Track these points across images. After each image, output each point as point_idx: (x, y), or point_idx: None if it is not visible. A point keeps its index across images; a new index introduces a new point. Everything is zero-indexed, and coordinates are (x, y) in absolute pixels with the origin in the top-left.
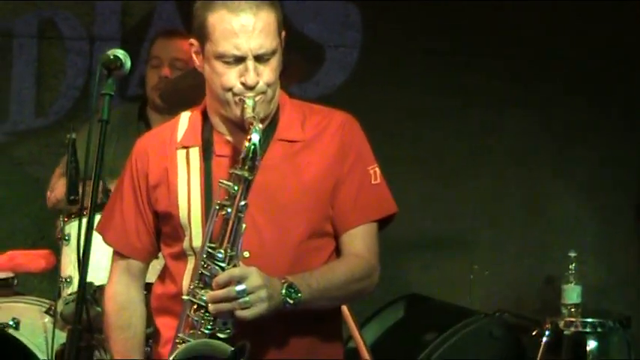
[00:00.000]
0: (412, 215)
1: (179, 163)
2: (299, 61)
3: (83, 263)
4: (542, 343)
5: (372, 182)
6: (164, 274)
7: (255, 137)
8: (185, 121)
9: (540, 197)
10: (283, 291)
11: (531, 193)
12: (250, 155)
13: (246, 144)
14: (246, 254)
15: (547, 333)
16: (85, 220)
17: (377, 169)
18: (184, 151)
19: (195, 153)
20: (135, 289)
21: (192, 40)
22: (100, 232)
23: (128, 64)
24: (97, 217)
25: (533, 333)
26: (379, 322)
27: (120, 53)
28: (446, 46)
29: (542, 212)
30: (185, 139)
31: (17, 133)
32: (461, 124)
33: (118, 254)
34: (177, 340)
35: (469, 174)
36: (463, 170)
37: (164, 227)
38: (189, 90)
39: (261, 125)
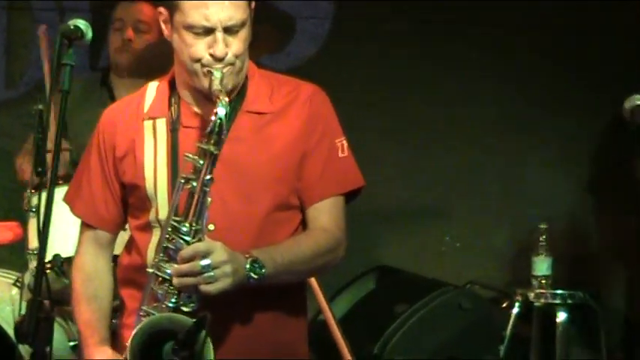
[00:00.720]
0: (385, 186)
1: (146, 134)
2: (270, 32)
3: (43, 235)
4: (512, 315)
5: (340, 155)
6: (130, 246)
7: (221, 111)
8: (152, 91)
9: (515, 168)
10: (247, 266)
11: (506, 164)
12: (217, 129)
13: (212, 118)
14: (211, 227)
15: (517, 305)
16: (49, 192)
17: (344, 142)
18: (151, 122)
19: (162, 124)
20: (103, 259)
21: (161, 9)
22: (67, 204)
23: (89, 34)
24: (61, 189)
25: (504, 305)
26: (350, 294)
27: (81, 23)
28: (419, 16)
29: (517, 183)
30: (152, 109)
31: None
32: (436, 94)
33: (86, 225)
34: (141, 313)
35: (443, 144)
36: (438, 140)
37: (130, 198)
38: (155, 59)
39: (227, 99)
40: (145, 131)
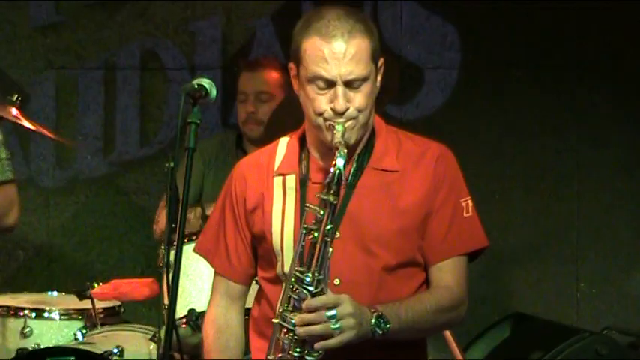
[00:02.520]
0: (516, 232)
1: (275, 189)
2: (390, 82)
3: (173, 290)
4: None
5: (464, 215)
6: (260, 297)
7: (340, 162)
8: (283, 147)
9: None
10: (373, 320)
11: (638, 207)
12: (335, 180)
13: (332, 169)
14: (337, 282)
15: None
16: (184, 247)
17: (469, 202)
18: (281, 178)
19: (291, 181)
20: (234, 312)
21: (291, 64)
22: (201, 254)
23: (214, 92)
24: (192, 245)
25: None
26: (485, 342)
27: (205, 82)
28: (546, 62)
29: None
30: (282, 167)
31: (123, 164)
32: (564, 140)
33: (218, 277)
34: None
35: (573, 189)
36: (567, 186)
37: (259, 250)
38: (281, 125)
39: (346, 150)
40: (275, 187)
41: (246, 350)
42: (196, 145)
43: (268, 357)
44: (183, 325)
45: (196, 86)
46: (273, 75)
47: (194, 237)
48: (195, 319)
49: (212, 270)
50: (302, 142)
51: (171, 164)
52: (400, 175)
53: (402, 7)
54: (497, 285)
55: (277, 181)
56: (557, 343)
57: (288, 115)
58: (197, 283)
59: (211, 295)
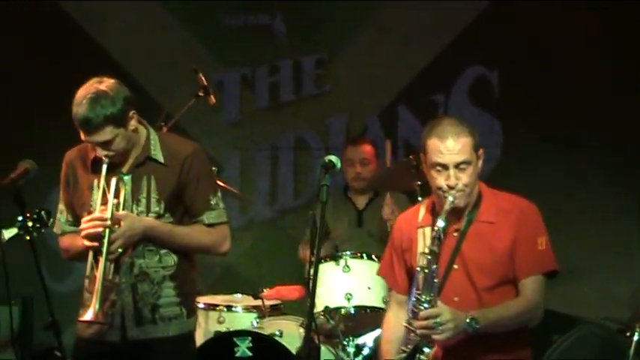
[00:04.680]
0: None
1: (419, 236)
2: None
3: (312, 294)
4: (634, 341)
5: (539, 248)
6: None
7: (440, 224)
8: (423, 208)
9: (627, 236)
10: (467, 320)
11: (619, 235)
12: (438, 235)
13: (435, 228)
14: (456, 299)
15: (637, 333)
16: (320, 265)
17: (544, 239)
18: (422, 229)
19: (428, 229)
20: (401, 312)
21: (422, 154)
22: (384, 277)
23: (338, 165)
24: (325, 264)
25: (627, 334)
26: None
27: (333, 158)
28: (561, 137)
29: (630, 247)
30: (422, 221)
31: (282, 211)
32: (564, 192)
33: (392, 291)
34: (400, 350)
35: (580, 224)
36: (576, 221)
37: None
38: (378, 182)
39: (444, 216)
40: (418, 234)
41: None
42: (328, 199)
43: (401, 347)
44: (321, 317)
45: (327, 161)
46: (369, 148)
47: (327, 259)
48: (329, 312)
49: (337, 280)
50: (432, 205)
51: (312, 212)
52: (496, 225)
53: (466, 110)
54: None
55: (420, 230)
56: (571, 328)
57: (387, 179)
58: (329, 288)
59: (389, 304)
